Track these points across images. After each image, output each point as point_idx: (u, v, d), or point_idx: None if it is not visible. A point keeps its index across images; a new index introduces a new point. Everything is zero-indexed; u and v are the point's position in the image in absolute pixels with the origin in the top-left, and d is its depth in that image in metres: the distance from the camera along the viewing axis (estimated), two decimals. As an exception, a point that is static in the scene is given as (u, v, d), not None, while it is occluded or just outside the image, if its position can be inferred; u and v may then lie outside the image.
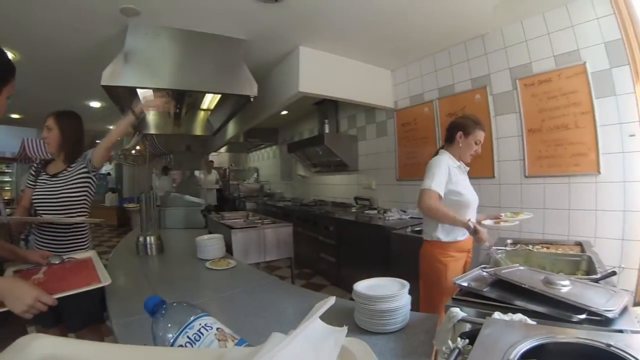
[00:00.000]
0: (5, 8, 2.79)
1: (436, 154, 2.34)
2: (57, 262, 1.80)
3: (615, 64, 2.76)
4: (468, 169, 2.37)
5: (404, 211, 4.30)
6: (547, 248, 2.26)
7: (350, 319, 1.39)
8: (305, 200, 6.86)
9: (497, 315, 1.08)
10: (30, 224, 2.22)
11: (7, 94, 1.35)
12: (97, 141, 2.48)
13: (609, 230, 2.82)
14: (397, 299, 1.32)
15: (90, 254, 1.99)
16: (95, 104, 6.22)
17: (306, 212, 5.61)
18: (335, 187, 6.32)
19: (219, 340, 0.84)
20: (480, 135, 2.27)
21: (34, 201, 2.17)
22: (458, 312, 1.12)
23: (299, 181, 7.51)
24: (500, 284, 1.40)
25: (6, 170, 9.51)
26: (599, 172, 2.87)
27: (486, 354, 0.85)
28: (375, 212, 4.67)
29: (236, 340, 0.87)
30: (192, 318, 0.84)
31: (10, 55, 3.65)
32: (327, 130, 5.51)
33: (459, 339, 0.97)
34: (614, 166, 2.81)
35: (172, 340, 0.81)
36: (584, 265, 1.86)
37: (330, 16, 3.14)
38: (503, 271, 1.46)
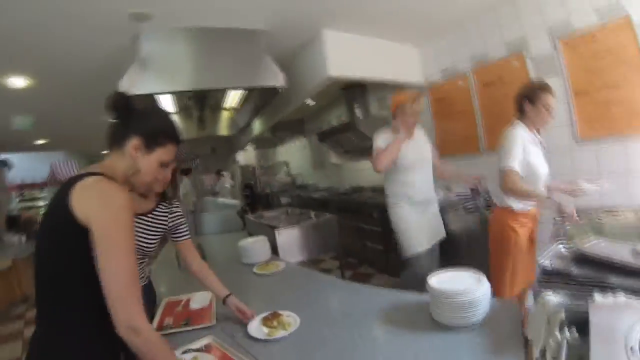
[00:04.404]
0: (17, 34, 2.72)
1: (511, 125, 2.33)
2: None
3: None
4: (541, 139, 2.34)
5: (449, 189, 4.05)
6: (614, 215, 2.10)
7: (425, 313, 1.34)
8: (341, 189, 6.70)
9: (597, 297, 0.95)
10: None
11: (158, 158, 1.14)
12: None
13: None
14: (478, 291, 1.24)
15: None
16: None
17: (346, 201, 5.50)
18: (372, 172, 6.10)
19: None
20: (547, 98, 2.21)
21: None
22: (553, 300, 0.99)
23: (332, 169, 7.35)
24: (584, 260, 1.27)
25: (39, 196, 9.96)
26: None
27: (607, 344, 0.76)
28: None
29: None
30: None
31: (24, 82, 3.62)
32: (359, 115, 5.35)
33: (565, 330, 0.85)
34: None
35: None
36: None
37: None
38: (585, 246, 1.33)
